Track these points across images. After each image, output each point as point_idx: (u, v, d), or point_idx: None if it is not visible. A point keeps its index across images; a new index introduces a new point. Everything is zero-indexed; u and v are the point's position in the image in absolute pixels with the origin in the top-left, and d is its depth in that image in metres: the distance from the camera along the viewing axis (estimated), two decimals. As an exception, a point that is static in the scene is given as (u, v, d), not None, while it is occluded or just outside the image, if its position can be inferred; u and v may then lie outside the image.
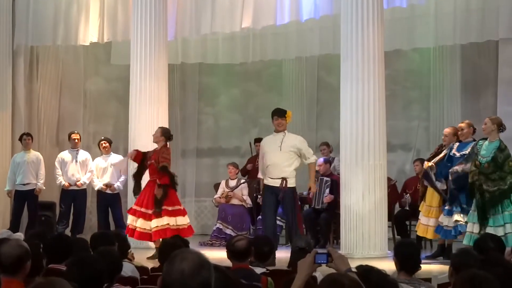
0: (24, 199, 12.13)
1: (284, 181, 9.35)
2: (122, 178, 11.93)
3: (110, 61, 13.93)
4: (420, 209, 9.74)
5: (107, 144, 12.23)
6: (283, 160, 9.43)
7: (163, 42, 11.30)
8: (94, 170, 12.25)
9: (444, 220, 9.11)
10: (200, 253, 2.94)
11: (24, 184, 12.04)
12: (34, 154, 12.23)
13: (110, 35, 12.32)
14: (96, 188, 12.32)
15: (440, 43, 12.46)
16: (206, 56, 13.78)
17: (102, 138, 12.42)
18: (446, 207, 9.11)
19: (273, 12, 11.15)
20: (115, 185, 12.12)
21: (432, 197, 9.53)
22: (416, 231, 9.96)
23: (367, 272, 3.56)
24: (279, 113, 9.64)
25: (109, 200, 12.17)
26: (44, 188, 12.19)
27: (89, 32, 12.36)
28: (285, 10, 11.05)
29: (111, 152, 12.32)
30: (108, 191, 12.16)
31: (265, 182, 9.53)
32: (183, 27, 11.88)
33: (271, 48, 13.37)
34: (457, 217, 8.93)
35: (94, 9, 12.32)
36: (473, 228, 8.42)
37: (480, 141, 8.72)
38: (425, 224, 9.56)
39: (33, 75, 13.42)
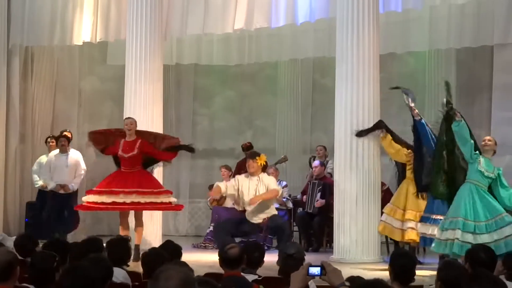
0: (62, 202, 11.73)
1: (266, 218, 9.35)
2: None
3: (106, 61, 13.91)
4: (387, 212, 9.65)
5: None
6: (261, 206, 9.38)
7: (158, 42, 11.27)
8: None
9: (428, 230, 8.87)
10: (185, 269, 2.92)
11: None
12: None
13: (102, 35, 12.27)
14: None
15: (435, 47, 12.51)
16: (201, 57, 13.78)
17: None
18: (432, 216, 8.90)
19: (267, 14, 11.14)
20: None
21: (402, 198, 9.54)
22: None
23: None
24: (250, 155, 9.65)
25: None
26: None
27: (82, 31, 12.32)
28: (280, 13, 11.04)
29: None
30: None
31: (246, 214, 9.51)
32: (173, 27, 11.80)
33: (266, 50, 13.39)
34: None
35: (88, 8, 12.29)
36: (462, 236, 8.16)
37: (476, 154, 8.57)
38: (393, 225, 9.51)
39: (28, 74, 13.39)
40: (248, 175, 9.53)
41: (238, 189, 9.56)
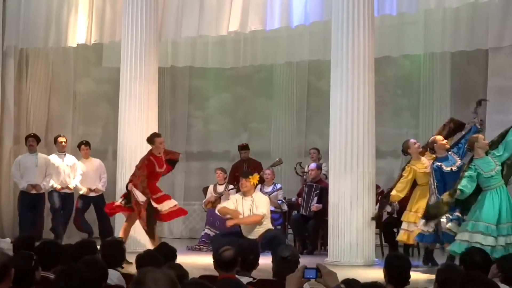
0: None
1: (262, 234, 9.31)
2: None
3: (102, 63, 13.89)
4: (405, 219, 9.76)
5: None
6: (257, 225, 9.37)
7: (154, 44, 11.27)
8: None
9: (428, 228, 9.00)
10: (170, 272, 2.90)
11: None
12: (70, 158, 12.11)
13: (97, 37, 12.25)
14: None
15: (430, 50, 12.55)
16: (196, 59, 13.77)
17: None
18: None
19: (262, 17, 11.13)
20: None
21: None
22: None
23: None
24: (244, 174, 9.60)
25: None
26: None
27: (77, 33, 12.30)
28: (275, 15, 11.03)
29: None
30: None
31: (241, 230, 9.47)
32: (168, 29, 11.78)
33: (261, 53, 13.38)
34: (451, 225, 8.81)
35: (82, 10, 12.26)
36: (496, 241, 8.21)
37: (473, 165, 8.60)
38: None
39: (23, 76, 13.35)
40: (242, 194, 9.49)
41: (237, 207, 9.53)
